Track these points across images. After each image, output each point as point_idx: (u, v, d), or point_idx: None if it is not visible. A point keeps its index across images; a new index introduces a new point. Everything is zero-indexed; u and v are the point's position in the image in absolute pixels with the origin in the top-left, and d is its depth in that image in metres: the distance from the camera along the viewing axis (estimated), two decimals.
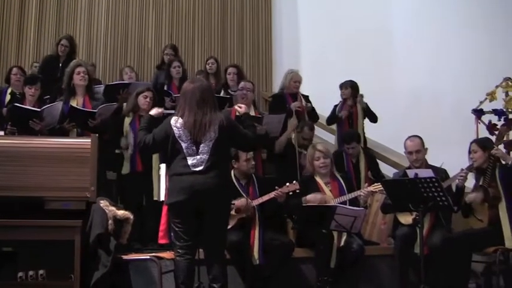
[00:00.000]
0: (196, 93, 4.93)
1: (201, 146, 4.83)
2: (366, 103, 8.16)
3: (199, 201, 4.78)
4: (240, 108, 5.36)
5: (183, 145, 4.84)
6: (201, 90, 4.95)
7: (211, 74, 9.27)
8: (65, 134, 6.54)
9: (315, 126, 8.45)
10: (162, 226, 6.10)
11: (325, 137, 9.00)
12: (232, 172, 6.26)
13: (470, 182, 6.20)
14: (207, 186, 4.76)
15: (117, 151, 6.92)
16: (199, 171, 4.79)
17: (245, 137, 5.07)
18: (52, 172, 5.03)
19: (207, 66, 9.35)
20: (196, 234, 4.88)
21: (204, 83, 5.13)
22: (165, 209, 5.99)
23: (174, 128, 4.88)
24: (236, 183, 6.19)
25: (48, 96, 7.55)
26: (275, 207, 6.15)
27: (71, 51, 8.69)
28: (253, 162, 6.28)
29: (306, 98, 8.33)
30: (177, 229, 4.88)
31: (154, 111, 5.30)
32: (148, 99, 6.79)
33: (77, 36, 10.83)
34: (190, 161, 4.82)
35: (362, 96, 8.16)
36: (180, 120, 4.90)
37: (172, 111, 5.50)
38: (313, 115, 8.32)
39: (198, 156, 4.82)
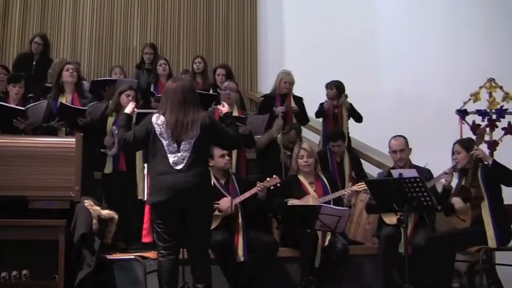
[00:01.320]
0: (178, 92, 4.92)
1: (183, 143, 4.82)
2: (350, 103, 8.19)
3: (182, 200, 4.77)
4: (222, 107, 5.37)
5: (164, 142, 4.83)
6: (183, 90, 4.93)
7: (198, 73, 9.26)
8: (53, 132, 6.52)
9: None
10: (145, 224, 6.10)
11: (310, 137, 9.00)
12: (210, 172, 6.26)
13: (453, 182, 6.24)
14: (188, 185, 4.75)
15: (102, 150, 6.89)
16: (180, 169, 4.78)
17: (227, 135, 5.06)
18: (36, 171, 5.03)
19: (194, 65, 9.33)
20: (179, 234, 4.88)
21: (186, 82, 5.12)
22: (147, 206, 5.99)
23: (155, 126, 4.87)
24: (216, 183, 6.18)
25: (32, 95, 7.51)
26: (257, 205, 6.16)
27: (45, 49, 8.63)
28: (228, 158, 6.25)
29: (299, 99, 8.33)
30: (159, 230, 4.86)
31: (129, 109, 5.28)
32: (130, 98, 6.77)
33: (62, 34, 10.80)
34: (171, 158, 4.80)
35: (346, 96, 8.17)
36: (162, 118, 4.88)
37: (147, 110, 5.47)
38: (301, 117, 8.31)
39: (179, 154, 4.81)
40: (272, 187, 6.09)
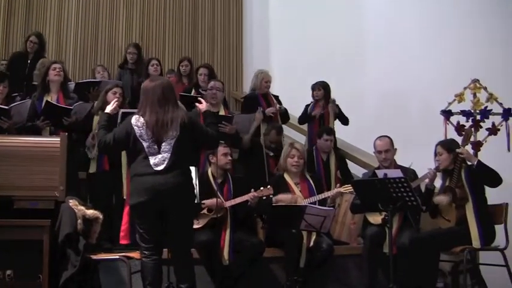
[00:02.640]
0: (157, 91, 4.88)
1: (163, 144, 4.79)
2: (338, 105, 8.21)
3: (162, 201, 4.74)
4: (201, 105, 5.35)
5: (144, 144, 4.80)
6: (162, 88, 4.89)
7: (184, 75, 9.27)
8: (37, 132, 6.47)
9: (285, 126, 8.50)
10: (123, 226, 6.08)
11: (295, 137, 9.02)
12: (209, 170, 6.26)
13: (437, 183, 6.27)
14: (168, 186, 4.73)
15: (86, 150, 6.87)
16: (160, 170, 4.75)
17: (206, 134, 5.03)
18: (21, 171, 5.00)
19: (181, 68, 9.32)
20: (161, 235, 4.86)
21: (164, 81, 5.07)
22: (126, 209, 5.96)
23: (135, 127, 4.83)
24: (212, 182, 6.17)
25: (17, 94, 7.47)
26: (247, 210, 6.16)
27: (40, 48, 8.59)
28: (229, 158, 6.26)
29: (276, 98, 8.41)
30: (141, 230, 4.84)
31: (110, 109, 5.26)
32: (117, 95, 6.73)
33: (47, 34, 10.70)
34: (152, 160, 4.77)
35: (334, 101, 8.19)
36: (141, 119, 4.84)
37: (132, 110, 5.45)
38: (285, 116, 8.38)
39: (160, 155, 4.78)
40: (264, 197, 6.08)
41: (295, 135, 9.19)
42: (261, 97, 8.24)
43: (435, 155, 6.17)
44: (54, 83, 6.82)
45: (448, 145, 6.14)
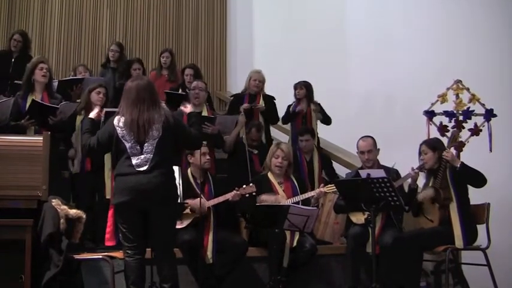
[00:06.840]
0: (133, 92, 4.88)
1: (145, 145, 4.80)
2: (320, 109, 8.20)
3: (144, 201, 4.75)
4: (185, 108, 5.37)
5: (127, 145, 4.80)
6: (137, 89, 4.89)
7: (165, 67, 9.25)
8: (22, 131, 6.40)
9: (270, 127, 8.50)
10: (109, 228, 6.05)
11: (279, 137, 9.02)
12: (188, 170, 6.24)
13: (420, 182, 6.29)
14: (151, 186, 4.73)
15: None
16: (143, 171, 4.76)
17: (189, 135, 5.04)
18: (3, 170, 4.96)
19: (162, 59, 9.31)
20: (144, 234, 4.87)
21: (142, 81, 5.02)
22: (111, 211, 5.95)
23: (117, 128, 4.83)
24: (193, 182, 6.16)
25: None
26: (228, 207, 6.16)
27: (24, 46, 8.53)
28: (208, 157, 6.25)
29: (270, 98, 8.35)
30: (124, 230, 4.84)
31: (93, 114, 5.26)
32: (101, 95, 6.70)
33: (30, 32, 10.63)
34: (134, 160, 4.77)
35: (316, 104, 8.18)
36: (123, 119, 4.85)
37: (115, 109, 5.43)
38: (270, 116, 8.33)
39: (142, 156, 4.78)
40: (247, 195, 6.09)
41: (279, 135, 9.18)
42: (246, 97, 8.22)
43: (419, 154, 6.20)
44: (39, 83, 6.73)
45: (432, 144, 6.17)
